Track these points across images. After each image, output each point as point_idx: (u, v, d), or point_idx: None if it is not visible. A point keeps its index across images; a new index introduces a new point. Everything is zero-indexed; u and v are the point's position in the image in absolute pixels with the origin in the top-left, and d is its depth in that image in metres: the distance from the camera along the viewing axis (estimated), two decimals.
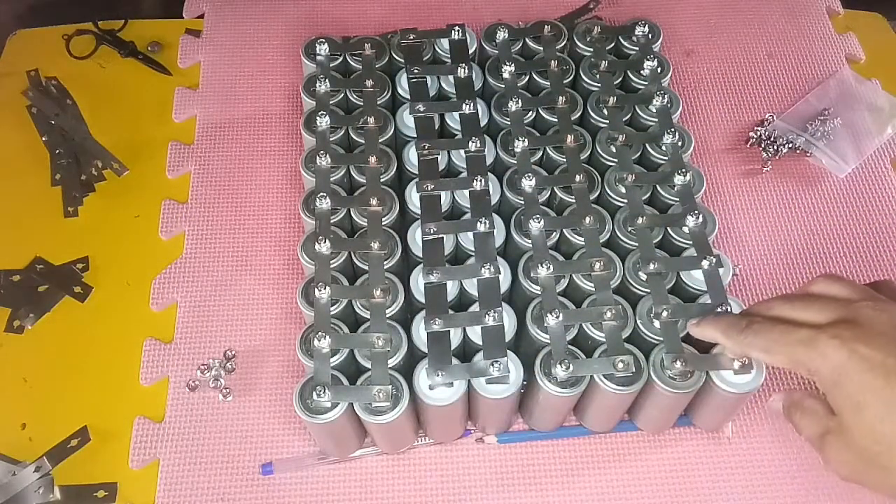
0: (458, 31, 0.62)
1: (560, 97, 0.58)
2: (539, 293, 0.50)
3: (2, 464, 0.54)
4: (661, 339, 0.48)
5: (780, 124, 0.70)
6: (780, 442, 0.55)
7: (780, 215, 0.66)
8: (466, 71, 0.60)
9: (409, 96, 0.59)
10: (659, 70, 0.61)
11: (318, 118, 0.57)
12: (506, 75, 0.60)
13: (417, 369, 0.48)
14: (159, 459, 0.54)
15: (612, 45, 0.63)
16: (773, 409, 0.46)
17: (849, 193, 0.67)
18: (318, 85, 0.59)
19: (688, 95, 0.73)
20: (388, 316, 0.49)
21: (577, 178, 0.54)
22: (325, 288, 0.49)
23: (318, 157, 0.55)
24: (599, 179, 0.56)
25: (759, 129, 0.70)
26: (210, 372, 0.57)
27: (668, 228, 0.53)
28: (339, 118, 0.58)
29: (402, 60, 0.61)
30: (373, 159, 0.55)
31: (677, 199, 0.54)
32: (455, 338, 0.49)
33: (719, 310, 0.48)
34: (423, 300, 0.50)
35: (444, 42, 0.62)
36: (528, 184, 0.54)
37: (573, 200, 0.54)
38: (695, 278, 0.51)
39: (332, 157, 0.55)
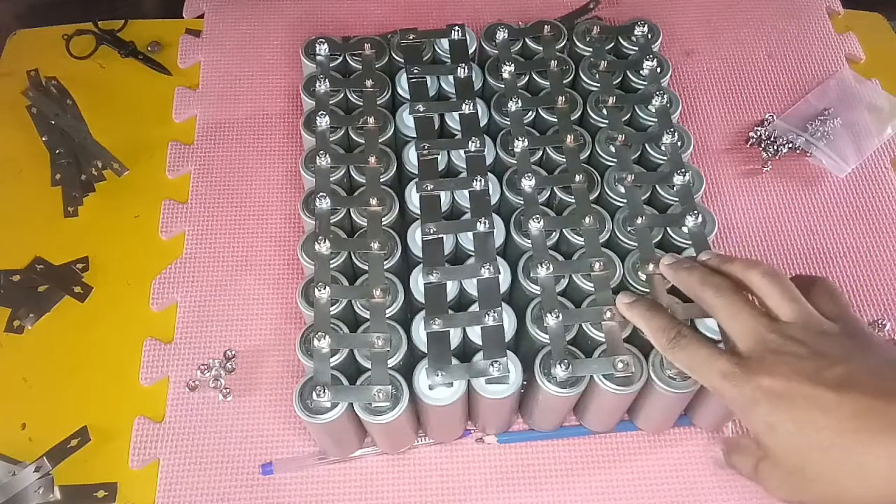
0: (458, 31, 0.62)
1: (560, 97, 0.58)
2: (539, 293, 0.50)
3: (2, 464, 0.54)
4: None
5: (780, 124, 0.70)
6: None
7: (780, 215, 0.66)
8: (466, 71, 0.60)
9: (408, 96, 0.59)
10: (658, 70, 0.61)
11: (317, 118, 0.57)
12: (506, 75, 0.60)
13: (417, 369, 0.48)
14: (159, 459, 0.54)
15: (612, 45, 0.63)
16: (717, 460, 0.47)
17: (849, 193, 0.67)
18: (317, 85, 0.59)
19: (688, 95, 0.73)
20: (387, 316, 0.49)
21: (577, 178, 0.54)
22: (324, 288, 0.49)
23: (318, 157, 0.55)
24: (599, 179, 0.56)
25: (759, 129, 0.70)
26: (210, 372, 0.57)
27: (668, 228, 0.53)
28: (339, 118, 0.58)
29: (402, 60, 0.61)
30: (372, 159, 0.55)
31: (677, 199, 0.54)
32: (455, 338, 0.49)
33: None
34: (422, 300, 0.50)
35: (444, 42, 0.62)
36: (527, 184, 0.54)
37: (573, 200, 0.54)
38: None
39: (332, 157, 0.55)
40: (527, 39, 0.63)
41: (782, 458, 0.39)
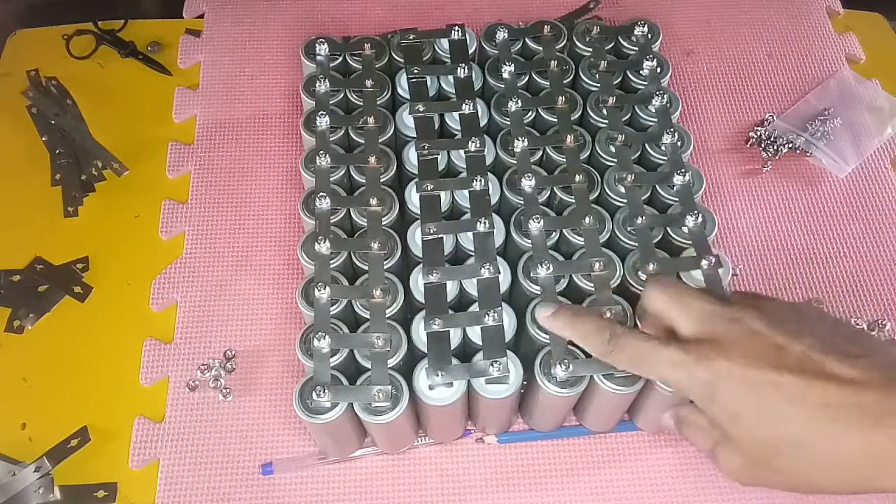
0: (458, 31, 0.62)
1: (560, 97, 0.58)
2: (539, 293, 0.50)
3: (2, 464, 0.54)
4: None
5: (780, 124, 0.70)
6: None
7: (780, 215, 0.66)
8: (466, 71, 0.60)
9: (408, 96, 0.59)
10: (658, 70, 0.61)
11: (317, 118, 0.57)
12: (506, 75, 0.60)
13: (417, 369, 0.48)
14: (159, 459, 0.54)
15: (612, 45, 0.63)
16: (665, 425, 0.46)
17: (849, 193, 0.67)
18: (317, 85, 0.59)
19: (688, 95, 0.73)
20: (387, 316, 0.49)
21: (577, 178, 0.54)
22: (324, 288, 0.49)
23: (318, 157, 0.55)
24: (599, 179, 0.56)
25: (759, 129, 0.70)
26: (210, 372, 0.57)
27: (668, 228, 0.53)
28: (339, 118, 0.58)
29: (402, 60, 0.61)
30: (372, 159, 0.55)
31: (677, 199, 0.54)
32: (455, 338, 0.49)
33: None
34: (423, 300, 0.50)
35: (444, 42, 0.62)
36: (527, 184, 0.54)
37: (573, 200, 0.54)
38: (694, 278, 0.51)
39: (332, 157, 0.55)
40: (527, 39, 0.63)
41: (746, 446, 0.37)
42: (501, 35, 0.62)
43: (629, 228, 0.53)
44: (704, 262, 0.50)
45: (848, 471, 0.35)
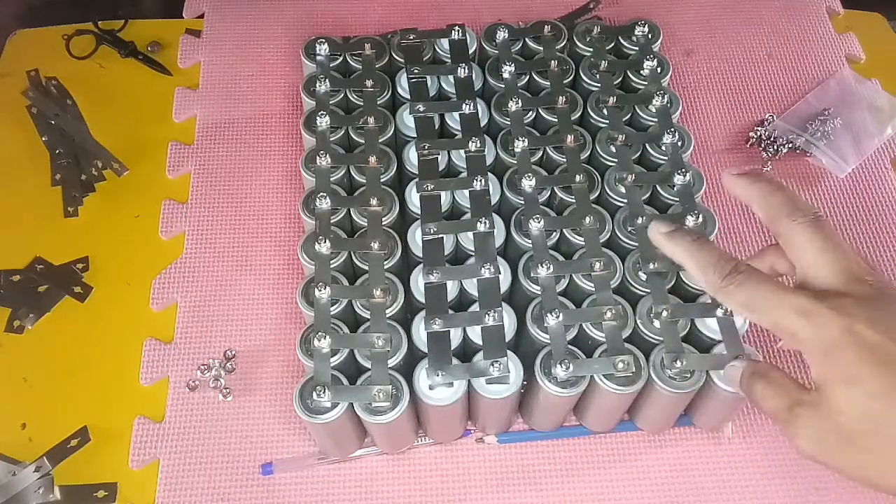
0: (458, 31, 0.62)
1: (560, 97, 0.58)
2: (539, 293, 0.50)
3: (2, 464, 0.54)
4: (661, 339, 0.48)
5: (780, 124, 0.70)
6: (780, 442, 0.55)
7: None
8: (466, 71, 0.60)
9: (409, 96, 0.59)
10: (659, 70, 0.61)
11: (318, 118, 0.57)
12: (506, 75, 0.60)
13: (417, 369, 0.48)
14: (159, 459, 0.54)
15: (612, 45, 0.63)
16: (730, 376, 0.43)
17: (849, 193, 0.67)
18: (318, 85, 0.59)
19: (688, 95, 0.73)
20: (388, 316, 0.49)
21: (577, 178, 0.54)
22: (325, 288, 0.49)
23: (318, 157, 0.55)
24: (599, 179, 0.56)
25: (759, 129, 0.70)
26: (210, 372, 0.57)
27: None
28: (339, 118, 0.58)
29: (402, 60, 0.61)
30: (373, 159, 0.55)
31: (677, 199, 0.54)
32: (455, 338, 0.49)
33: (724, 309, 0.48)
34: (423, 300, 0.50)
35: (444, 42, 0.62)
36: (528, 184, 0.54)
37: (573, 200, 0.54)
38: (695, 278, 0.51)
39: (332, 157, 0.55)
40: (527, 39, 0.63)
41: (842, 415, 0.34)
42: (502, 35, 0.62)
43: (629, 228, 0.53)
44: None
45: None
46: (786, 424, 0.37)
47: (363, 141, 0.57)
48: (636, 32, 0.63)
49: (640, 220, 0.52)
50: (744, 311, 0.39)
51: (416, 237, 0.52)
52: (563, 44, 0.63)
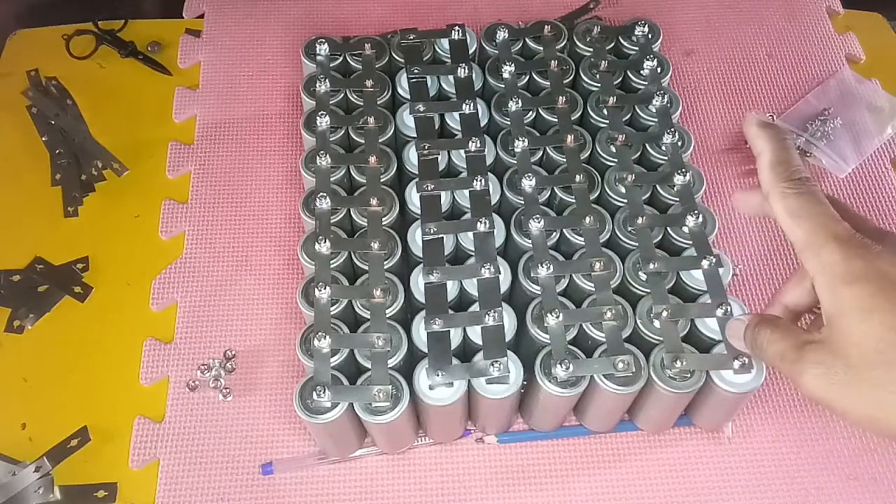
0: (458, 31, 0.62)
1: (560, 97, 0.58)
2: (539, 293, 0.50)
3: (2, 464, 0.54)
4: (661, 339, 0.48)
5: (781, 124, 0.70)
6: (780, 442, 0.55)
7: None
8: (466, 71, 0.60)
9: (409, 96, 0.59)
10: (659, 70, 0.61)
11: (318, 118, 0.57)
12: (506, 75, 0.60)
13: (417, 369, 0.48)
14: (159, 459, 0.54)
15: (612, 45, 0.63)
16: (733, 328, 0.42)
17: (849, 193, 0.67)
18: (318, 85, 0.59)
19: (688, 95, 0.73)
20: (388, 316, 0.49)
21: (577, 178, 0.54)
22: (325, 288, 0.49)
23: (318, 157, 0.55)
24: (599, 179, 0.56)
25: None
26: (210, 372, 0.57)
27: (668, 228, 0.53)
28: (339, 118, 0.58)
29: (402, 60, 0.61)
30: (373, 159, 0.55)
31: (677, 199, 0.54)
32: (455, 338, 0.49)
33: (724, 310, 0.48)
34: (423, 300, 0.50)
35: (444, 42, 0.62)
36: (528, 184, 0.54)
37: (573, 200, 0.54)
38: (695, 278, 0.51)
39: (332, 157, 0.55)
40: (527, 39, 0.63)
41: (853, 347, 0.33)
42: (502, 35, 0.62)
43: (629, 228, 0.53)
44: (705, 262, 0.50)
45: None
46: (792, 364, 0.36)
47: (363, 141, 0.57)
48: (636, 32, 0.63)
49: (640, 220, 0.52)
50: (787, 216, 0.37)
51: (416, 237, 0.52)
52: (563, 44, 0.63)
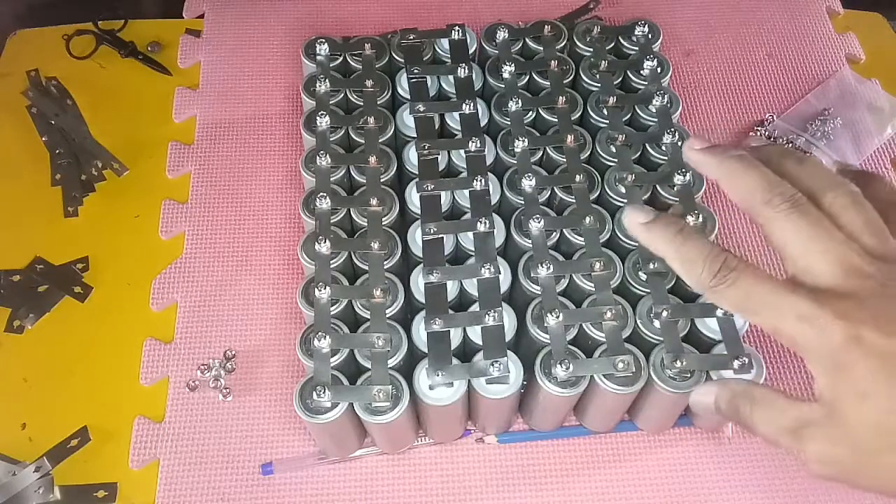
0: (458, 31, 0.62)
1: (560, 97, 0.58)
2: (539, 293, 0.50)
3: (2, 464, 0.54)
4: (661, 339, 0.48)
5: (780, 124, 0.70)
6: None
7: None
8: (466, 71, 0.60)
9: (409, 96, 0.59)
10: (659, 70, 0.61)
11: (318, 118, 0.57)
12: (506, 75, 0.60)
13: (417, 369, 0.48)
14: (159, 459, 0.54)
15: (612, 45, 0.63)
16: (699, 403, 0.39)
17: None
18: (318, 85, 0.59)
19: (688, 95, 0.73)
20: (388, 316, 0.49)
21: (577, 178, 0.54)
22: (325, 288, 0.49)
23: (318, 157, 0.55)
24: (599, 179, 0.56)
25: (759, 128, 0.70)
26: (210, 372, 0.57)
27: None
28: (339, 118, 0.58)
29: (402, 60, 0.61)
30: (373, 159, 0.55)
31: (677, 199, 0.54)
32: (455, 338, 0.49)
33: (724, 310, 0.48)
34: (423, 300, 0.50)
35: (444, 42, 0.62)
36: (528, 184, 0.54)
37: (573, 200, 0.54)
38: None
39: (332, 157, 0.55)
40: (527, 39, 0.63)
41: (860, 433, 0.31)
42: (502, 35, 0.62)
43: None
44: None
45: None
46: (795, 446, 0.34)
47: (363, 141, 0.57)
48: (636, 32, 0.63)
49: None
50: (737, 310, 0.35)
51: (416, 237, 0.52)
52: (563, 44, 0.63)
